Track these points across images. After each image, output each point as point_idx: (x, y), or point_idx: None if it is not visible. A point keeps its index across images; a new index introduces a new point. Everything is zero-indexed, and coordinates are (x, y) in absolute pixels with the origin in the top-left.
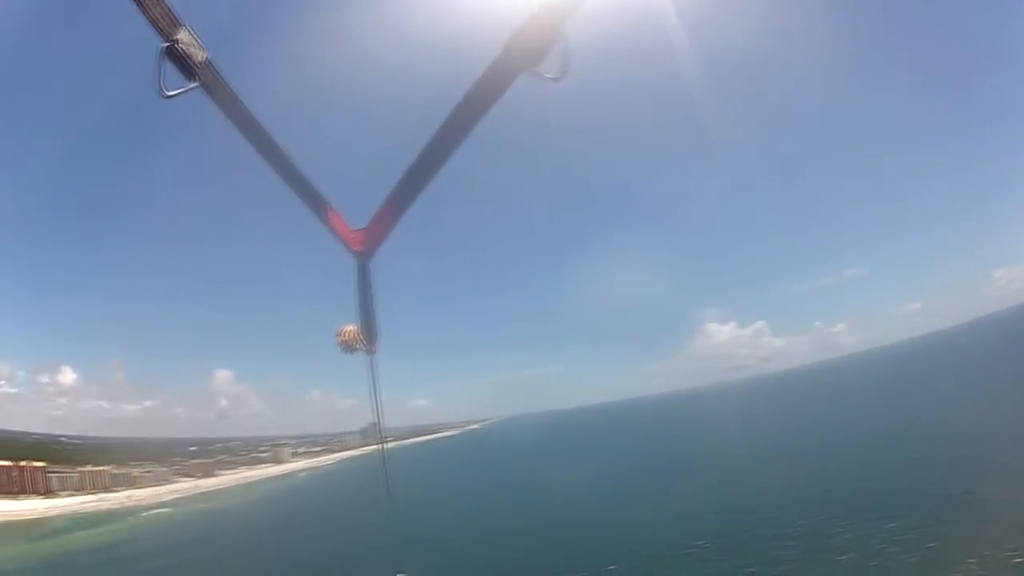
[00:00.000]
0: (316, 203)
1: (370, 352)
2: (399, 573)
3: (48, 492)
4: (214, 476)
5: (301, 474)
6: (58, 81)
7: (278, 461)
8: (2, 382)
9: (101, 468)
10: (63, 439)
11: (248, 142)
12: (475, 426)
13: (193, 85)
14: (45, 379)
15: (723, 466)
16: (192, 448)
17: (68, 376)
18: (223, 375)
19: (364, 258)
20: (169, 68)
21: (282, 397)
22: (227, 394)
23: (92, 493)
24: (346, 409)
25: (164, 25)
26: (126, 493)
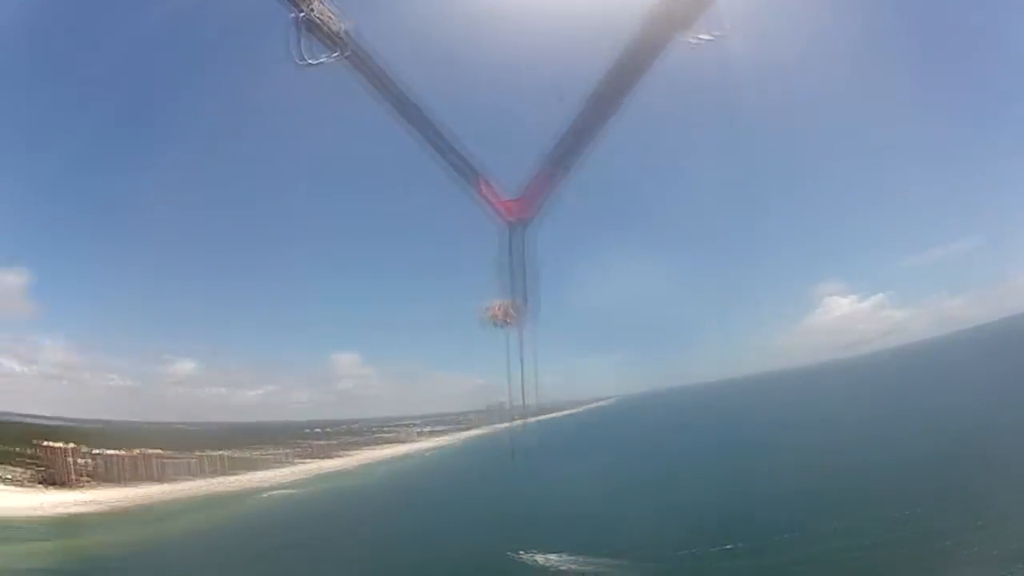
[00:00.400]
0: (467, 173)
1: (520, 326)
2: (517, 551)
3: (163, 478)
4: (337, 457)
5: (426, 454)
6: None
7: (402, 441)
8: (114, 375)
9: (219, 452)
10: (179, 426)
11: (396, 112)
12: (602, 403)
13: (335, 54)
14: (160, 369)
15: (837, 448)
16: (316, 430)
17: (185, 366)
18: (346, 358)
19: (518, 228)
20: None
21: (407, 378)
22: (350, 376)
23: (210, 477)
24: (471, 389)
25: None
26: (245, 476)
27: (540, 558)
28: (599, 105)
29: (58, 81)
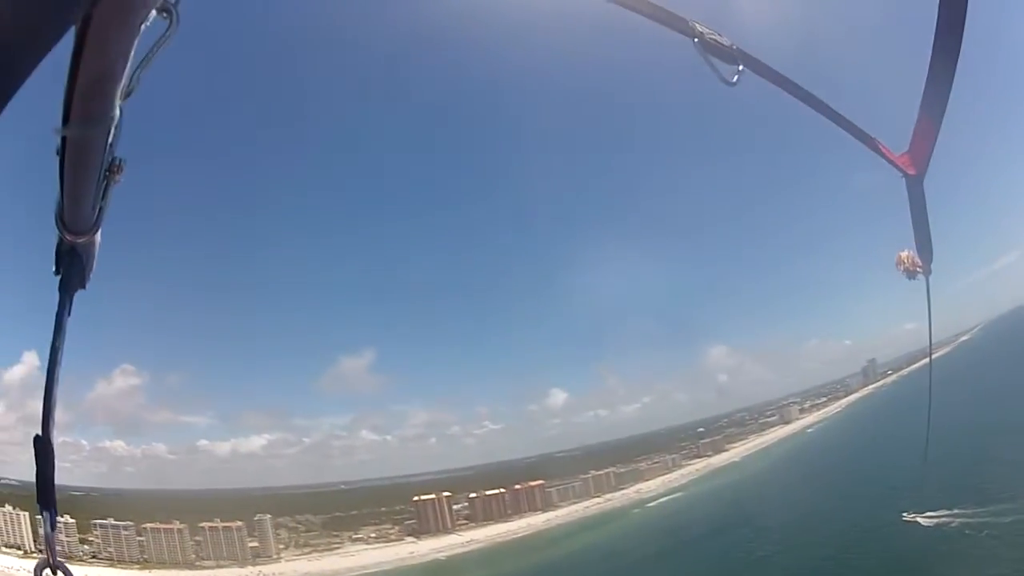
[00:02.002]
0: (864, 138)
1: (926, 273)
2: (905, 513)
3: (547, 506)
4: (725, 451)
5: (810, 429)
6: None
7: (786, 421)
8: (486, 422)
9: (604, 471)
10: (558, 455)
11: (796, 98)
12: (965, 337)
13: (740, 68)
14: (533, 406)
15: None
16: (700, 429)
17: (558, 397)
18: (716, 351)
19: (916, 181)
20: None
21: (779, 357)
22: (724, 368)
23: (597, 496)
24: (843, 352)
25: (680, 27)
26: (634, 488)
27: (924, 520)
28: (947, 37)
29: None
